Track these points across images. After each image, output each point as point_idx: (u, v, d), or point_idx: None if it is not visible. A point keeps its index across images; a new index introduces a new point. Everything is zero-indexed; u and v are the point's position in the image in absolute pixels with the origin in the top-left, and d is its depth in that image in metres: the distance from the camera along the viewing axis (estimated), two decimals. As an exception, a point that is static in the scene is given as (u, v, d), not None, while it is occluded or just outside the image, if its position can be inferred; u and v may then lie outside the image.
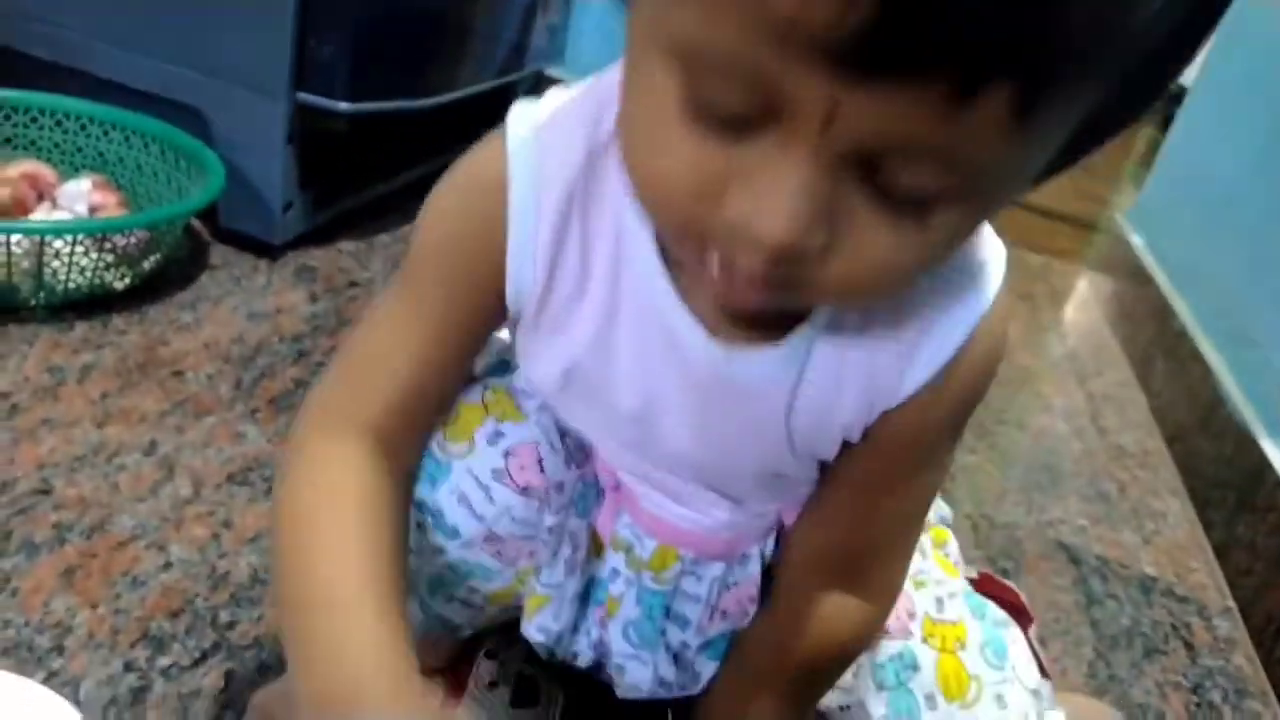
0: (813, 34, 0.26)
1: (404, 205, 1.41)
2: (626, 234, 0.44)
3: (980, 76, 0.27)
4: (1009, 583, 0.72)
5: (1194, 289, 1.63)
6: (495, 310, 0.47)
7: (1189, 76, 2.13)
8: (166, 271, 1.09)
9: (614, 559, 0.55)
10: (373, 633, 0.41)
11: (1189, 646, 1.01)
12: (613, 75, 0.40)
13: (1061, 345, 1.73)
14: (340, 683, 0.40)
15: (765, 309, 0.40)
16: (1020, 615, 0.62)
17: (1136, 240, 1.93)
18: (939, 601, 0.57)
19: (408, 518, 0.50)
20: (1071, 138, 0.33)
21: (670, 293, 0.44)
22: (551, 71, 1.78)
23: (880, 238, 0.32)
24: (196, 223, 1.20)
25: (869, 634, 0.54)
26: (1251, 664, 1.01)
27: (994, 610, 0.58)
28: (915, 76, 0.27)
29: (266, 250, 1.19)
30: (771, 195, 0.31)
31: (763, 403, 0.46)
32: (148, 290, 1.06)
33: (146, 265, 1.03)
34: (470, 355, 0.51)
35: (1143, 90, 0.33)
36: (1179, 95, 2.07)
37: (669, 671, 0.56)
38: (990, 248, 0.45)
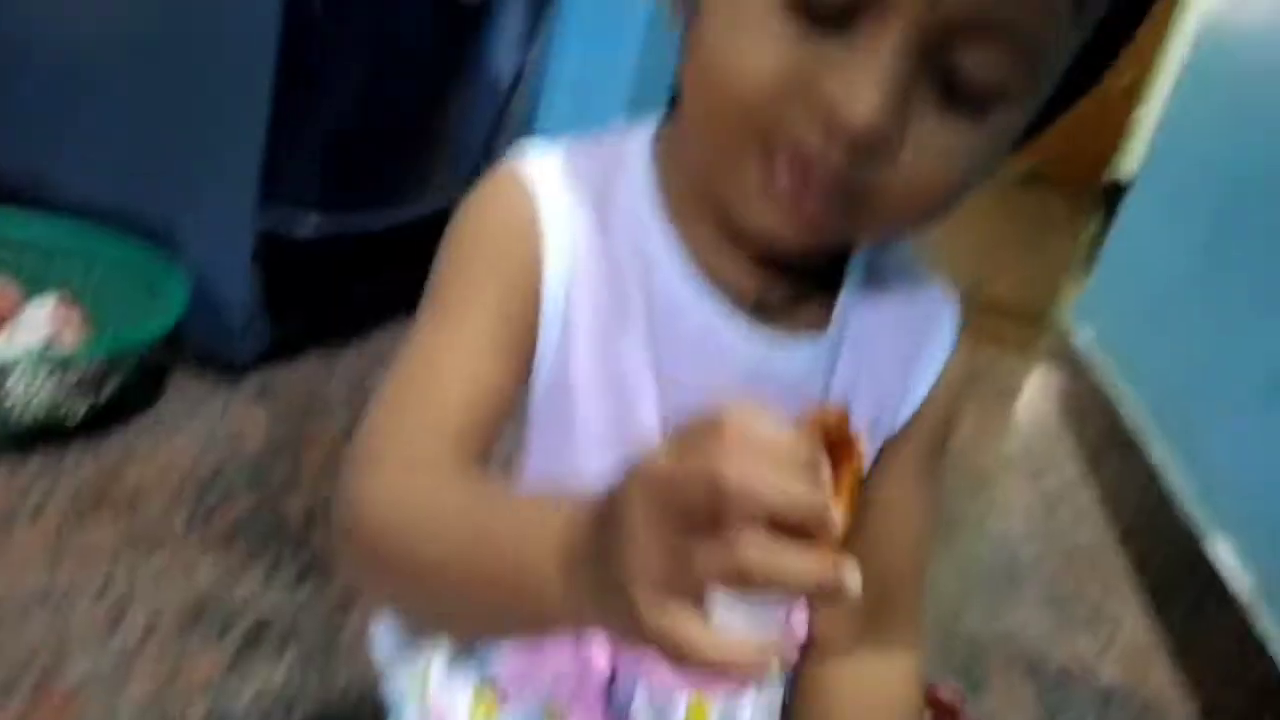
0: None
1: (367, 317, 1.42)
2: (649, 243, 0.45)
3: None
4: (948, 684, 0.74)
5: (1141, 383, 1.68)
6: (536, 317, 0.46)
7: (1131, 169, 2.22)
8: (126, 394, 1.08)
9: None
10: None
11: (1150, 757, 1.02)
12: (586, 142, 0.47)
13: (1014, 442, 1.77)
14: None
15: (819, 237, 0.41)
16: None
17: (1084, 334, 1.99)
18: None
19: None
20: (1065, 75, 0.39)
21: (705, 289, 0.45)
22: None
23: (943, 138, 0.37)
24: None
25: (919, 683, 0.53)
26: (1213, 772, 1.02)
27: None
28: None
29: (228, 369, 1.19)
30: (863, 80, 0.35)
31: (799, 405, 0.43)
32: (106, 414, 1.05)
33: (105, 391, 1.03)
34: (517, 381, 0.47)
35: (1113, 42, 0.41)
36: (1123, 188, 2.16)
37: None
38: (947, 291, 0.51)
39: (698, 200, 0.45)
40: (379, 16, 1.16)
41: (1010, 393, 2.03)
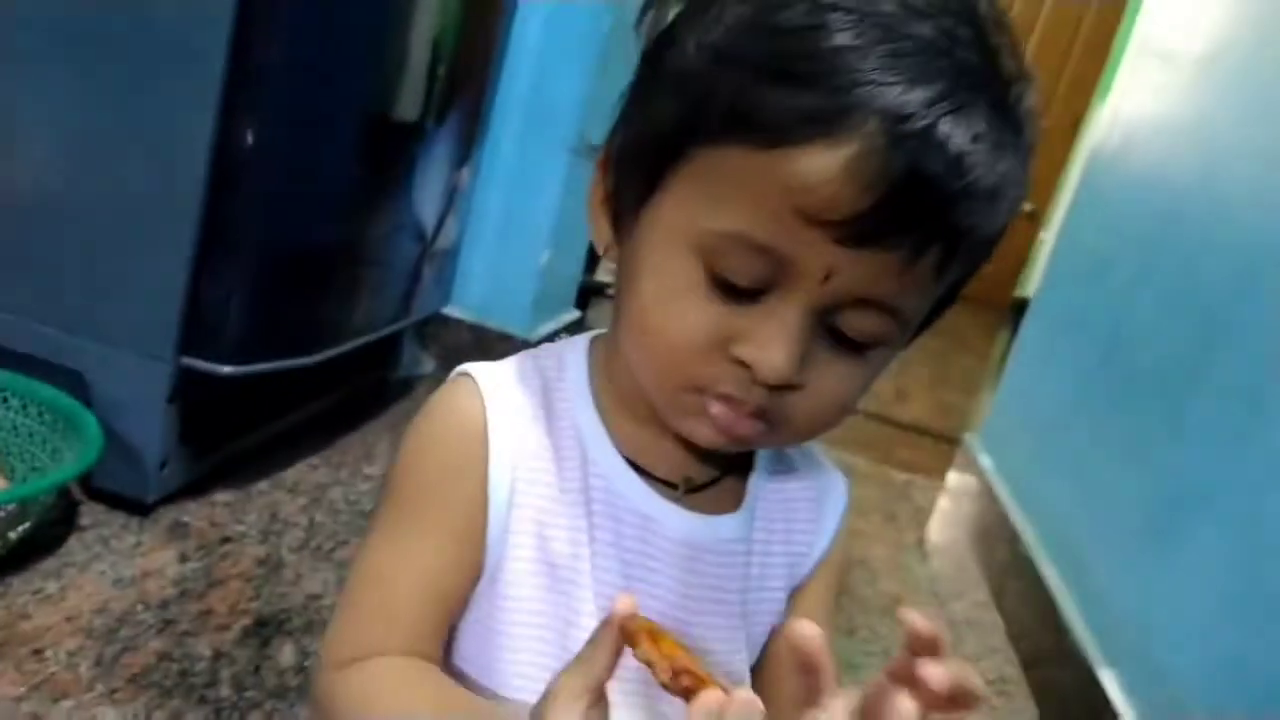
0: (830, 220, 0.42)
1: (283, 451, 1.43)
2: (588, 442, 0.54)
3: (927, 246, 0.44)
4: None
5: (1035, 513, 1.75)
6: (484, 532, 0.53)
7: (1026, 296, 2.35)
8: (35, 534, 1.07)
9: None
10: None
11: None
12: (544, 347, 0.58)
13: (924, 567, 1.82)
14: None
15: (749, 446, 0.54)
16: None
17: (984, 461, 2.08)
18: None
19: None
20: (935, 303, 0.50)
21: (639, 482, 0.54)
22: (446, 311, 1.86)
23: (836, 372, 0.48)
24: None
25: None
26: None
27: None
28: (889, 248, 0.43)
29: (139, 508, 1.19)
30: (776, 340, 0.45)
31: (727, 572, 0.56)
32: (12, 558, 1.04)
33: (14, 535, 1.02)
34: (471, 577, 0.53)
35: (967, 279, 0.51)
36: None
37: None
38: (836, 470, 0.64)
39: (632, 403, 0.54)
40: (313, 146, 1.20)
41: (923, 514, 2.10)
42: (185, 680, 0.96)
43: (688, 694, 0.41)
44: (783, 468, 0.60)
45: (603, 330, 0.59)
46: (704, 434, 0.51)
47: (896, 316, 0.47)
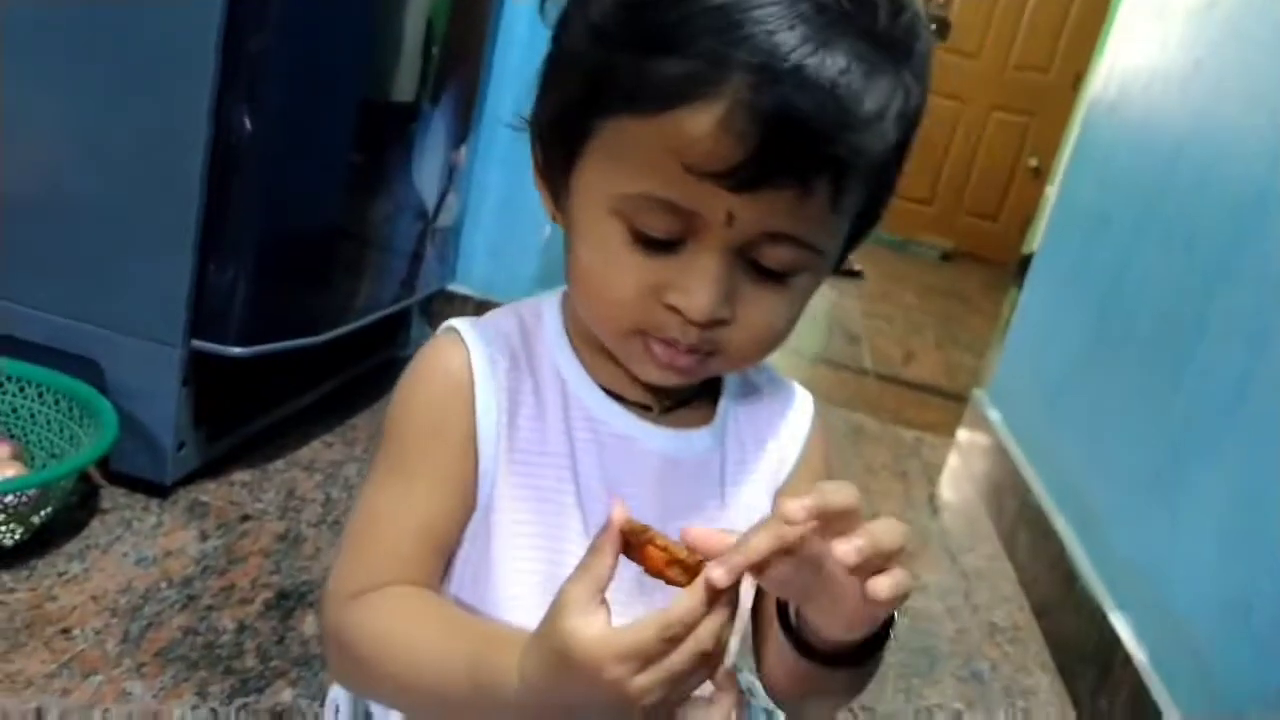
0: (716, 172, 0.46)
1: (298, 429, 1.45)
2: (568, 378, 0.59)
3: (813, 179, 0.47)
4: None
5: (1044, 466, 1.77)
6: (475, 475, 0.56)
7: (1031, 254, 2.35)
8: (56, 519, 1.10)
9: None
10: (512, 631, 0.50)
11: (1061, 830, 1.06)
12: (523, 300, 0.61)
13: (935, 522, 1.84)
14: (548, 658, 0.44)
15: (694, 377, 0.57)
16: None
17: (994, 416, 2.09)
18: None
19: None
20: (852, 227, 0.54)
21: (618, 407, 0.58)
22: (450, 288, 1.88)
23: (762, 303, 0.52)
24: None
25: None
26: (1120, 842, 1.07)
27: None
28: (778, 186, 0.47)
29: (158, 490, 1.22)
30: (699, 284, 0.50)
31: (704, 483, 0.61)
32: (36, 541, 1.07)
33: (36, 520, 1.05)
34: (462, 522, 0.57)
35: (881, 197, 0.54)
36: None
37: None
38: (800, 390, 0.68)
39: (599, 343, 0.58)
40: (310, 130, 1.21)
41: (933, 471, 2.11)
42: (211, 652, 0.99)
43: (681, 583, 0.45)
44: (748, 389, 0.65)
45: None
46: (651, 372, 0.55)
47: (807, 246, 0.51)
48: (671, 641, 0.42)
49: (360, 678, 0.56)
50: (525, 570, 0.56)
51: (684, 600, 0.43)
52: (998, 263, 5.26)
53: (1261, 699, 0.96)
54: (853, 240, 0.57)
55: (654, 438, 0.59)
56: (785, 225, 0.49)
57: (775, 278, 0.52)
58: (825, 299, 3.77)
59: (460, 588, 0.58)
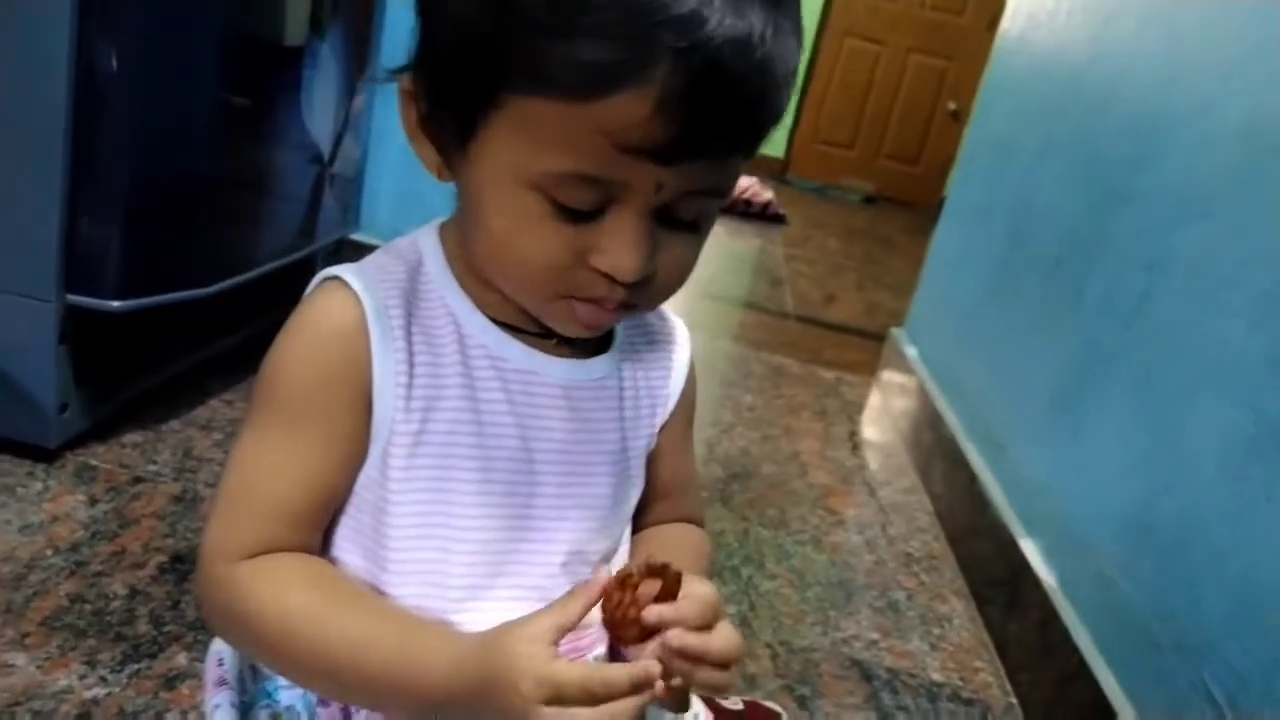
0: (650, 150, 0.46)
1: (193, 389, 1.40)
2: (461, 317, 0.57)
3: (734, 148, 0.50)
4: (772, 705, 0.83)
5: (956, 397, 1.79)
6: (367, 427, 0.55)
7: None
8: (-72, 489, 1.04)
9: None
10: (442, 634, 0.53)
11: (973, 748, 1.08)
12: (397, 241, 0.59)
13: (854, 458, 1.85)
14: (443, 677, 0.49)
15: (613, 325, 0.61)
16: None
17: (910, 352, 2.11)
18: None
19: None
20: None
21: (515, 341, 0.58)
22: (353, 237, 1.82)
23: (677, 251, 0.53)
24: (-36, 431, 1.16)
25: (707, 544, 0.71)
26: (1030, 756, 1.10)
27: None
28: (702, 156, 0.48)
29: (43, 454, 1.16)
30: (626, 248, 0.50)
31: (604, 408, 0.61)
32: (-94, 513, 1.01)
33: (-98, 489, 0.99)
34: (355, 470, 0.56)
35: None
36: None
37: None
38: (679, 323, 0.69)
39: (485, 278, 0.56)
40: (182, 67, 1.14)
41: (852, 408, 2.13)
42: (100, 619, 0.95)
43: (627, 641, 0.50)
44: (634, 317, 0.65)
45: (445, 218, 0.60)
46: (574, 329, 0.55)
47: (721, 194, 0.53)
48: (587, 695, 0.45)
49: (251, 648, 0.55)
50: (415, 514, 0.56)
51: (619, 672, 0.46)
52: (920, 206, 5.31)
53: (1163, 617, 0.99)
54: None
55: (555, 368, 0.59)
56: (706, 183, 0.50)
57: (688, 227, 0.53)
58: (749, 245, 3.76)
59: (346, 547, 0.57)
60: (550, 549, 0.59)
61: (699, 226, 0.54)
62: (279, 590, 0.52)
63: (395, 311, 0.55)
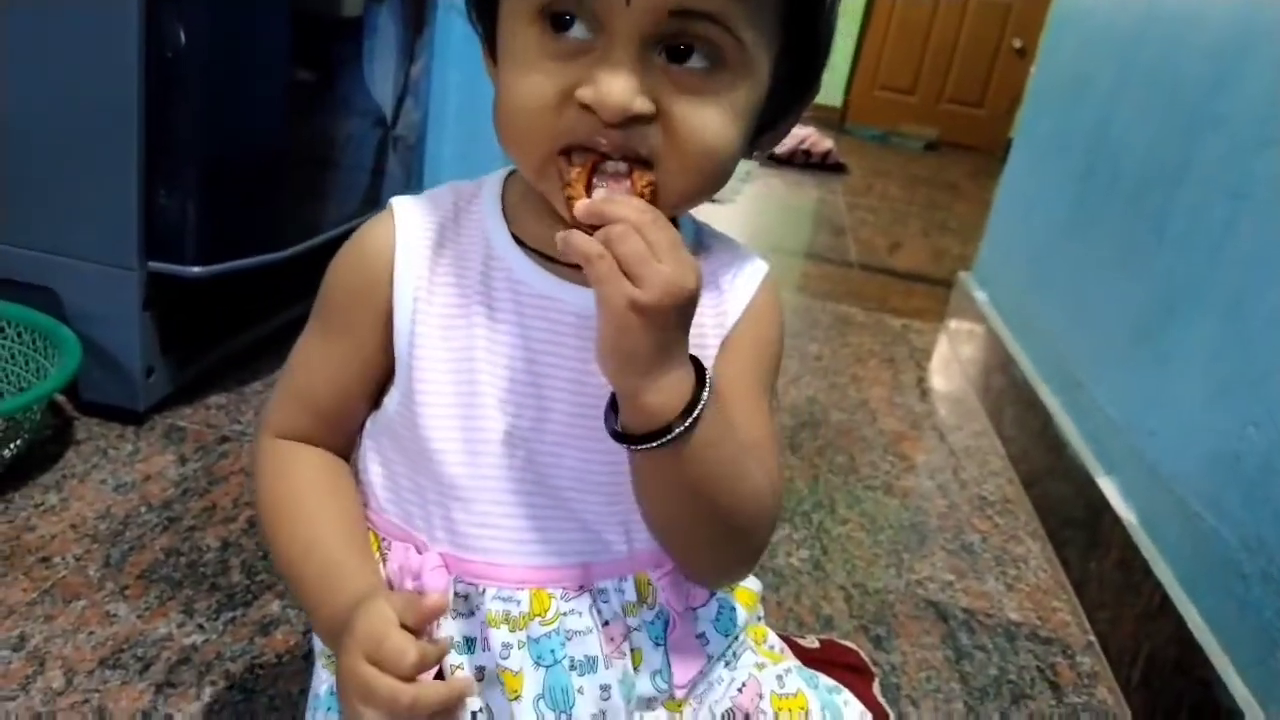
0: None
1: (274, 349, 1.43)
2: (494, 241, 0.59)
3: None
4: (848, 644, 0.82)
5: (1029, 339, 1.75)
6: (388, 342, 0.59)
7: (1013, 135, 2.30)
8: (30, 452, 1.09)
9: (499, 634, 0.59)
10: (356, 572, 0.57)
11: (1054, 687, 1.08)
12: (458, 181, 0.62)
13: (924, 404, 1.83)
14: (340, 611, 0.53)
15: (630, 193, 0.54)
16: (861, 674, 0.74)
17: (980, 296, 2.07)
18: (779, 679, 0.63)
19: (353, 483, 0.64)
20: (787, 88, 0.54)
21: (541, 269, 0.58)
22: (414, 199, 1.83)
23: (687, 104, 0.49)
24: (60, 398, 1.21)
25: (779, 493, 0.61)
26: (1114, 695, 1.08)
27: (824, 680, 0.64)
28: None
29: (133, 417, 1.20)
30: (609, 75, 0.47)
31: None
32: (11, 475, 1.06)
33: (8, 453, 1.03)
34: (377, 381, 0.61)
35: (806, 42, 0.53)
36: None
37: None
38: (756, 256, 0.65)
39: (534, 207, 0.57)
40: (248, 40, 1.16)
41: (921, 355, 2.10)
42: (195, 571, 0.99)
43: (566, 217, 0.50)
44: (697, 249, 0.63)
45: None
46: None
47: (720, 23, 0.48)
48: (372, 659, 0.48)
49: (258, 514, 0.63)
50: (445, 425, 0.58)
51: (400, 643, 0.49)
52: (985, 149, 5.17)
53: (1250, 548, 0.96)
54: (792, 103, 0.56)
55: (575, 295, 0.58)
56: (691, 1, 0.47)
57: (699, 82, 0.49)
58: (809, 196, 3.71)
59: (395, 428, 0.61)
60: (552, 481, 0.59)
61: (712, 82, 0.50)
62: (279, 471, 0.61)
63: (427, 237, 0.59)
